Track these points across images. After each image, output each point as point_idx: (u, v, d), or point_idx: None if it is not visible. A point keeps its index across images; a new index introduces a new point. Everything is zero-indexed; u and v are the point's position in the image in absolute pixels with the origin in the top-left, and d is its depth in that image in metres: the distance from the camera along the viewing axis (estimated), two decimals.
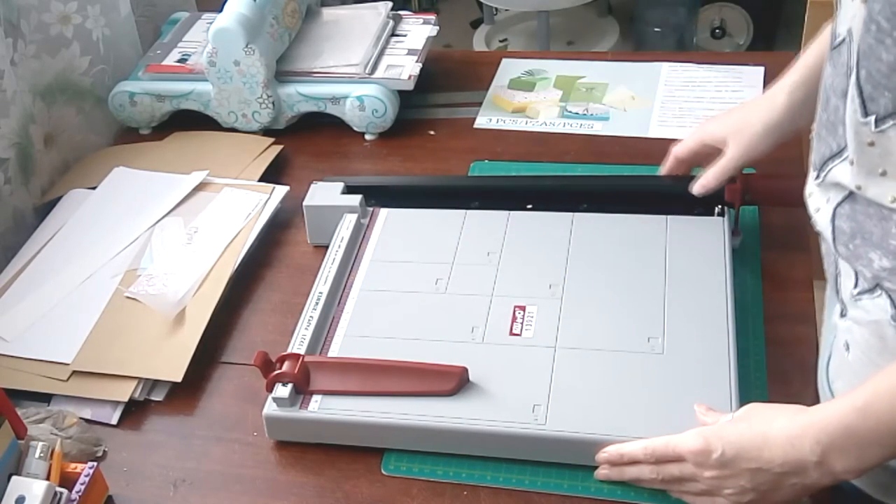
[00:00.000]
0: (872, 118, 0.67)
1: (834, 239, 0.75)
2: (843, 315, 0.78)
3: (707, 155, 0.99)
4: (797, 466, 0.70)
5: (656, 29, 2.60)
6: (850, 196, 0.72)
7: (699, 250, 0.95)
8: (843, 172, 0.72)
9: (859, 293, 0.74)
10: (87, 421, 0.92)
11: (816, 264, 0.98)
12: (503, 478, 0.82)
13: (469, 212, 1.04)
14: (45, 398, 0.94)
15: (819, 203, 0.77)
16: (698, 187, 0.99)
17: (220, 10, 1.21)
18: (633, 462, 0.79)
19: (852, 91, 0.68)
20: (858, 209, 0.72)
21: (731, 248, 0.95)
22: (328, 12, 1.38)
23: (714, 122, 1.00)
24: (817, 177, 0.76)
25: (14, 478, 0.78)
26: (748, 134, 0.95)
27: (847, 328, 0.77)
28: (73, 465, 0.82)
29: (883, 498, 0.81)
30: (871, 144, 0.68)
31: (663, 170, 1.04)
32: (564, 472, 0.82)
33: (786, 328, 0.92)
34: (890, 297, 0.72)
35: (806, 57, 0.92)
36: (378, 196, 1.08)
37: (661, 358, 0.85)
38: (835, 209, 0.74)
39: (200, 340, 0.96)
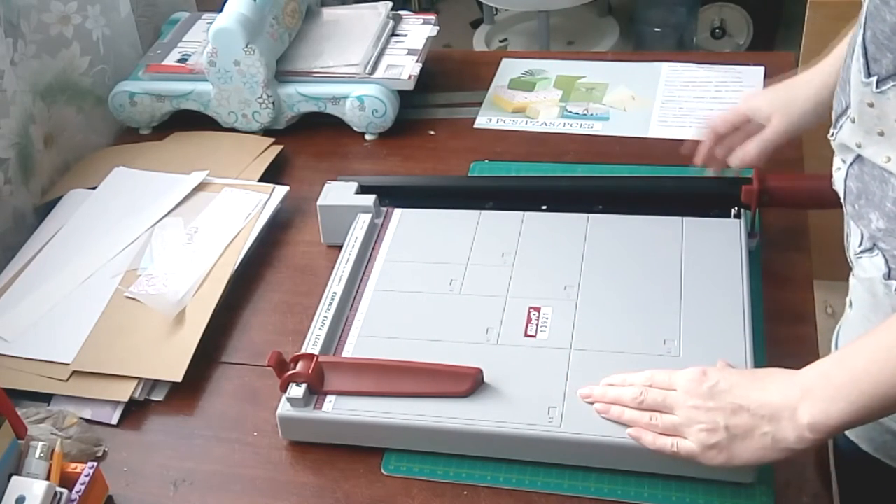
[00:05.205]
0: (874, 79, 0.69)
1: (845, 198, 0.77)
2: (851, 275, 0.80)
3: (745, 131, 0.99)
4: (774, 411, 0.71)
5: (656, 29, 2.60)
6: (859, 157, 0.74)
7: (715, 252, 0.94)
8: (847, 129, 0.74)
9: (861, 252, 0.77)
10: (87, 421, 0.92)
11: (816, 264, 0.98)
12: (503, 478, 0.82)
13: (483, 212, 1.03)
14: (45, 398, 0.94)
15: (837, 163, 0.78)
16: (736, 159, 0.98)
17: (220, 10, 1.21)
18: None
19: (857, 51, 0.70)
20: (865, 170, 0.74)
21: (747, 251, 0.94)
22: (328, 12, 1.38)
23: (758, 98, 0.99)
24: (832, 133, 0.78)
25: (14, 478, 0.78)
26: (796, 109, 0.94)
27: (852, 286, 0.80)
28: (73, 465, 0.82)
29: (878, 455, 0.84)
30: (871, 105, 0.70)
31: (702, 145, 1.03)
32: (565, 472, 0.82)
33: (786, 328, 0.92)
34: (884, 256, 0.74)
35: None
36: (392, 196, 1.08)
37: (676, 360, 0.84)
38: (847, 169, 0.76)
39: (200, 340, 0.96)
